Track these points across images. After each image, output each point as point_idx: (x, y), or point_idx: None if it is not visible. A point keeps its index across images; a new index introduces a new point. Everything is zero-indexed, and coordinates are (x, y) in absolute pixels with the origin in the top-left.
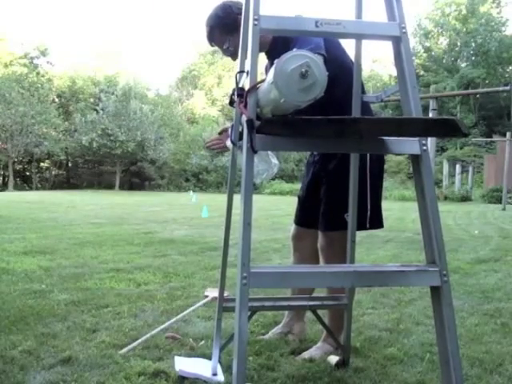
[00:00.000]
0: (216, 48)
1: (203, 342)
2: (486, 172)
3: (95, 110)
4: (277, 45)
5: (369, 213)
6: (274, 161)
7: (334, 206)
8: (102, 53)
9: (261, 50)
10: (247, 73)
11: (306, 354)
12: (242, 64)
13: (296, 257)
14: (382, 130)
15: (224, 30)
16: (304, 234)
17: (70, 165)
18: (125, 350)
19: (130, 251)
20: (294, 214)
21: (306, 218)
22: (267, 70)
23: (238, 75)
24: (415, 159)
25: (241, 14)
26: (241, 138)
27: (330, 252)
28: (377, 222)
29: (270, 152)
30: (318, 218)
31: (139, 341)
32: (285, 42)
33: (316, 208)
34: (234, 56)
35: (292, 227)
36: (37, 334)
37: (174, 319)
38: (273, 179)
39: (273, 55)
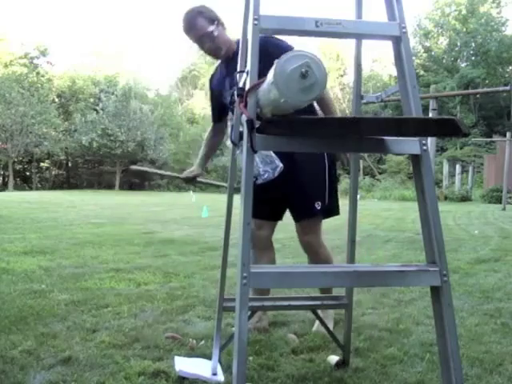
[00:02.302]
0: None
1: (203, 342)
2: (486, 172)
3: (95, 110)
4: (235, 57)
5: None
6: (277, 162)
7: (308, 195)
8: (103, 53)
9: (219, 56)
10: (247, 73)
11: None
12: (242, 64)
13: (256, 248)
14: (382, 129)
15: (207, 18)
16: (264, 225)
17: (69, 165)
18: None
19: (130, 251)
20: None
21: (266, 210)
22: (225, 79)
23: (238, 75)
24: (415, 159)
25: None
26: (241, 138)
27: (314, 239)
28: (335, 209)
29: (273, 153)
30: (279, 210)
31: None
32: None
33: (277, 200)
34: (213, 48)
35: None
36: (37, 334)
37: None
38: None
39: (231, 65)
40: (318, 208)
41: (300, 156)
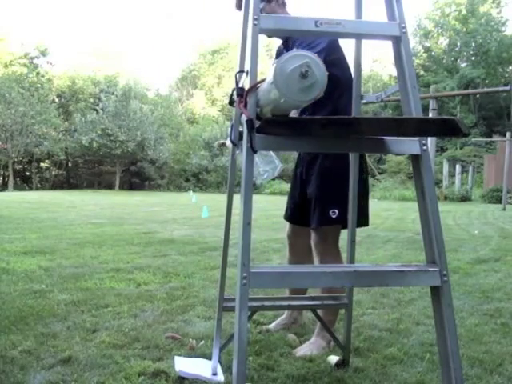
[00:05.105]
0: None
1: (203, 342)
2: (486, 172)
3: (95, 110)
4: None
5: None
6: (277, 162)
7: (323, 202)
8: (102, 53)
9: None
10: (247, 73)
11: (300, 351)
12: (242, 64)
13: (291, 254)
14: (382, 129)
15: None
16: (299, 232)
17: (69, 165)
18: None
19: (130, 251)
20: (285, 211)
21: (299, 215)
22: (279, 55)
23: (237, 75)
24: (415, 159)
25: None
26: (241, 138)
27: (324, 247)
28: (362, 219)
29: (272, 153)
30: (310, 215)
31: None
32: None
33: (307, 206)
34: None
35: (287, 225)
36: (37, 334)
37: None
38: (273, 179)
39: (290, 42)
40: (334, 216)
41: (324, 160)
